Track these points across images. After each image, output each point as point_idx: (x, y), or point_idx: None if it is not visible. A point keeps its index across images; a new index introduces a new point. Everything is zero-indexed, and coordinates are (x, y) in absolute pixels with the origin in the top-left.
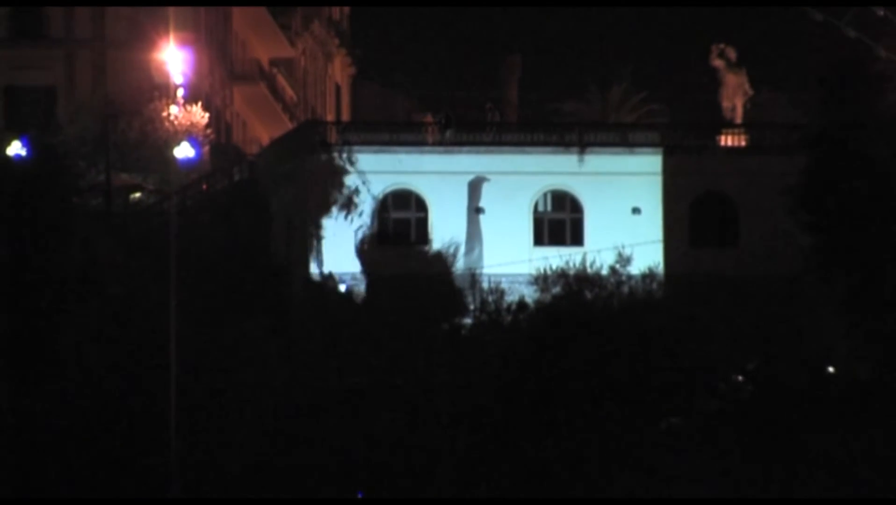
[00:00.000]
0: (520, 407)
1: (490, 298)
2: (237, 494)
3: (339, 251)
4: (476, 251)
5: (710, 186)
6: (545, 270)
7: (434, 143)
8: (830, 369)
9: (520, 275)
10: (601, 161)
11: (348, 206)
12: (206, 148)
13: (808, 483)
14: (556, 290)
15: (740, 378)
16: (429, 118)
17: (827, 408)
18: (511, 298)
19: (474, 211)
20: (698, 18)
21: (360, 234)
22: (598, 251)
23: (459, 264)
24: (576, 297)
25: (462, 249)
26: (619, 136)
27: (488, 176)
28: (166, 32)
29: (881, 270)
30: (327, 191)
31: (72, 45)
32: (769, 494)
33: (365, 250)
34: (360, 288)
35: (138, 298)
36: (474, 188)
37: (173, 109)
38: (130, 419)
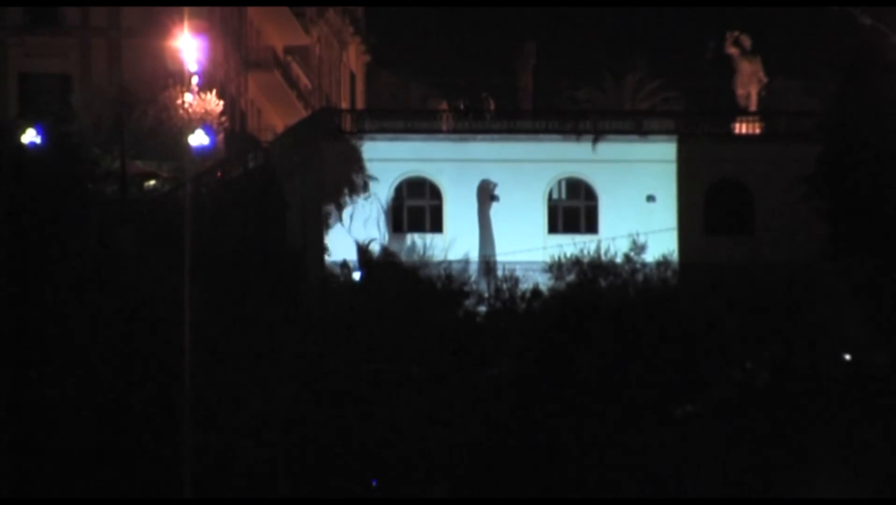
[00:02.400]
0: (534, 394)
1: (504, 286)
2: (251, 484)
3: (354, 238)
4: (488, 240)
5: (724, 174)
6: (559, 258)
7: (449, 131)
8: (846, 357)
9: (534, 262)
10: (616, 149)
11: (362, 193)
12: (221, 136)
13: (822, 471)
14: (571, 277)
15: (755, 366)
16: (444, 106)
17: (843, 395)
18: (525, 285)
19: (489, 199)
20: (713, 6)
21: (374, 222)
22: (613, 239)
23: (473, 253)
24: (590, 284)
25: (476, 238)
26: (634, 124)
27: (503, 163)
28: (181, 20)
29: None
30: (342, 178)
31: (87, 32)
32: (783, 481)
33: (379, 238)
34: (374, 275)
35: (153, 286)
36: (483, 191)
37: (188, 97)
38: (143, 411)
